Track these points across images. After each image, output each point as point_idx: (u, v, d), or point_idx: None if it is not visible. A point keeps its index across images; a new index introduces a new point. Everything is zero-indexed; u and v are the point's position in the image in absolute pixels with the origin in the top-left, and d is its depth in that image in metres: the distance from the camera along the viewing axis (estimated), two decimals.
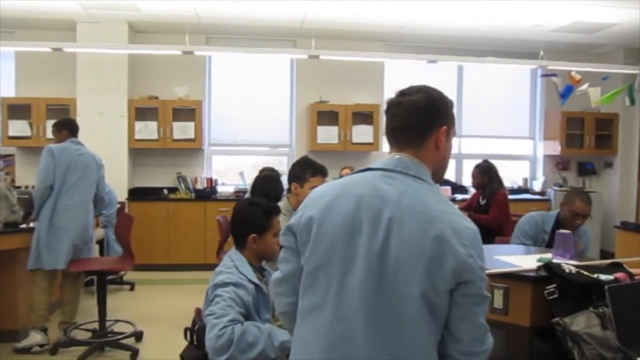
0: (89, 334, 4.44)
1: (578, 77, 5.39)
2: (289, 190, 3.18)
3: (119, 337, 4.36)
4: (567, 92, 5.49)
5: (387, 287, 1.32)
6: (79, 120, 6.71)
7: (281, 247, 1.56)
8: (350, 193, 1.44)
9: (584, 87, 5.32)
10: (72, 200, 4.37)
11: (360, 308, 1.33)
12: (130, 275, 6.24)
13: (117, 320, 4.62)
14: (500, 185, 5.37)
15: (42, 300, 4.35)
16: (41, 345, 4.25)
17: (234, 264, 2.19)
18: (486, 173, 5.32)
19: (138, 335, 4.44)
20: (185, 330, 2.20)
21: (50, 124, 6.89)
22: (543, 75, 6.95)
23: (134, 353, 4.12)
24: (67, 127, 4.63)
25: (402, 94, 1.55)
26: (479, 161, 5.62)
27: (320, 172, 3.09)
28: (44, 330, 4.32)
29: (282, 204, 3.08)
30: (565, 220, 3.57)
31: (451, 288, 1.33)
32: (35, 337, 4.26)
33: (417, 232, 1.33)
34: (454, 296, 1.34)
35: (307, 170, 3.07)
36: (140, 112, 7.17)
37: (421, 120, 1.50)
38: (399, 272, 1.32)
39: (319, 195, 1.52)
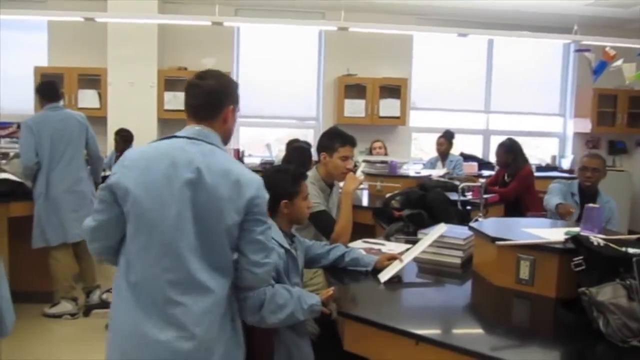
0: None
1: (612, 52, 5.26)
2: (318, 160, 3.20)
3: None
4: (600, 68, 5.37)
5: (201, 222, 1.76)
6: (109, 89, 6.88)
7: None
8: (165, 155, 1.80)
9: (618, 62, 5.19)
10: (64, 170, 4.26)
11: (181, 241, 1.75)
12: None
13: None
14: (525, 162, 5.33)
15: (65, 272, 4.37)
16: (72, 314, 4.36)
17: None
18: (510, 151, 5.28)
19: None
20: None
21: (82, 93, 7.09)
22: (576, 51, 6.79)
23: None
24: (40, 93, 4.41)
25: (200, 77, 1.92)
26: (506, 137, 5.58)
27: (349, 142, 3.11)
28: (74, 300, 4.40)
29: (310, 173, 3.12)
30: (580, 180, 3.96)
31: (243, 219, 1.80)
32: (65, 306, 4.37)
33: (220, 178, 1.78)
34: (243, 223, 1.81)
35: (336, 140, 3.09)
36: (170, 82, 7.24)
37: (215, 101, 1.91)
38: (209, 210, 1.77)
39: (136, 156, 1.84)
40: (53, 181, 4.23)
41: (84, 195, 4.36)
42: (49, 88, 4.44)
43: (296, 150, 4.54)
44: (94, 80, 7.13)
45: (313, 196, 2.89)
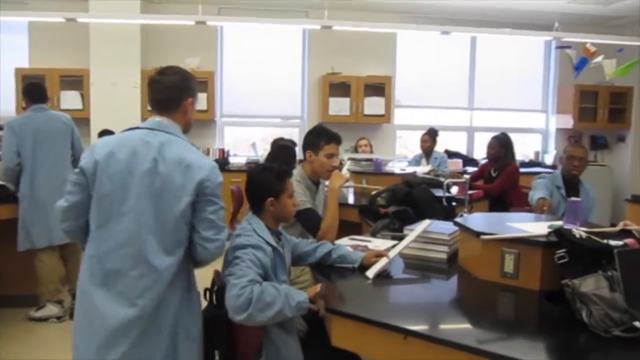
0: None
1: (593, 49, 5.34)
2: (303, 158, 3.21)
3: None
4: (581, 64, 5.45)
5: (158, 205, 1.99)
6: (92, 90, 6.83)
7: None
8: (127, 144, 2.03)
9: (599, 59, 5.27)
10: (49, 171, 4.20)
11: (139, 221, 1.97)
12: None
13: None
14: (513, 158, 5.39)
15: (51, 275, 4.30)
16: (58, 317, 4.31)
17: (252, 227, 2.25)
18: (504, 146, 5.32)
19: None
20: (205, 290, 2.27)
21: (64, 94, 7.03)
22: (558, 47, 6.89)
23: None
24: (26, 95, 4.35)
25: (161, 73, 2.13)
26: (489, 134, 5.63)
27: (334, 139, 3.12)
28: (60, 302, 4.35)
29: (296, 171, 3.13)
30: (566, 170, 3.97)
31: (195, 199, 2.01)
32: (51, 309, 4.32)
33: (173, 166, 2.00)
34: (196, 204, 2.02)
35: (321, 138, 3.10)
36: None
37: (175, 95, 2.11)
38: (165, 194, 1.99)
39: (104, 145, 2.07)
40: (37, 183, 4.18)
41: None
42: (34, 89, 4.39)
43: (280, 148, 4.55)
44: (76, 81, 7.07)
45: (299, 194, 2.89)
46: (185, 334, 2.07)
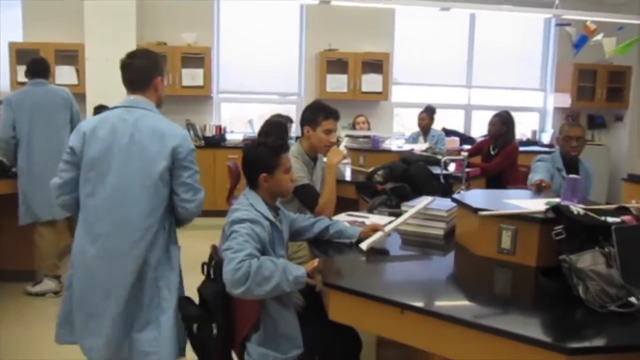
0: None
1: (593, 27, 5.30)
2: (301, 134, 3.18)
3: None
4: (580, 42, 5.41)
5: (138, 171, 2.28)
6: (87, 65, 6.76)
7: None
8: (107, 122, 2.34)
9: (599, 37, 5.23)
10: (47, 146, 4.18)
11: (123, 187, 2.28)
12: None
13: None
14: (514, 138, 5.38)
15: (49, 249, 4.33)
16: (55, 292, 4.32)
17: (250, 202, 2.24)
18: (505, 124, 5.30)
19: None
20: (203, 265, 2.27)
21: (59, 69, 6.95)
22: (557, 25, 6.84)
23: None
24: (28, 69, 4.34)
25: (131, 57, 2.43)
26: (487, 112, 5.62)
27: (332, 115, 3.08)
28: (57, 278, 4.36)
29: (294, 147, 3.11)
30: (564, 151, 3.86)
31: (172, 165, 2.31)
32: (48, 284, 4.35)
33: (149, 136, 2.30)
34: (173, 170, 2.32)
35: (319, 113, 3.07)
36: None
37: (145, 75, 2.41)
38: (143, 162, 2.28)
39: (87, 124, 2.37)
40: (34, 157, 4.17)
41: None
42: (35, 63, 4.39)
43: (271, 124, 4.53)
44: (71, 56, 7.00)
45: (297, 170, 2.88)
46: (166, 284, 2.37)
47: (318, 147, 3.11)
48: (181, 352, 2.42)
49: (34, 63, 4.40)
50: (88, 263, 2.32)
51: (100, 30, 6.73)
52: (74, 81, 7.00)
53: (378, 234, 2.48)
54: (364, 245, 2.42)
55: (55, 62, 6.93)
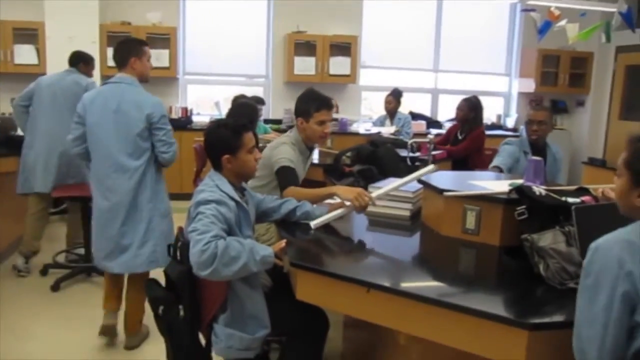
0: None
1: (557, 12, 5.38)
2: (296, 124, 3.08)
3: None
4: (545, 28, 5.49)
5: (123, 132, 3.07)
6: (47, 44, 6.56)
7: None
8: (101, 94, 3.15)
9: (562, 22, 5.32)
10: (52, 125, 4.28)
11: (110, 152, 3.10)
12: None
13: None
14: (481, 123, 5.44)
15: (30, 225, 4.40)
16: (18, 270, 4.31)
17: (215, 183, 2.22)
18: (473, 109, 5.35)
19: None
20: (169, 246, 2.25)
21: (18, 48, 6.73)
22: (523, 10, 6.92)
23: None
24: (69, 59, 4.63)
25: (116, 44, 3.26)
26: (454, 96, 5.67)
27: (324, 105, 2.99)
28: (27, 258, 4.39)
29: (292, 134, 3.04)
30: (528, 135, 3.88)
31: (148, 126, 3.09)
32: (16, 261, 4.36)
33: (130, 105, 3.07)
34: (151, 130, 3.10)
35: (311, 105, 2.97)
36: (113, 38, 6.93)
37: (124, 57, 3.15)
38: (126, 125, 3.07)
39: (88, 96, 3.19)
40: (40, 134, 4.33)
41: (73, 161, 4.23)
42: (72, 55, 4.66)
43: (241, 106, 4.49)
44: (30, 35, 6.77)
45: (287, 153, 2.86)
46: (158, 213, 3.19)
47: (313, 138, 3.02)
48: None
49: (72, 54, 4.67)
50: (96, 200, 3.21)
51: (62, 8, 6.54)
52: (34, 61, 6.78)
53: (332, 214, 2.50)
54: (313, 224, 2.45)
55: (13, 41, 6.72)
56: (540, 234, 1.95)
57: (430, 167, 2.70)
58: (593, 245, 1.48)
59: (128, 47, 3.16)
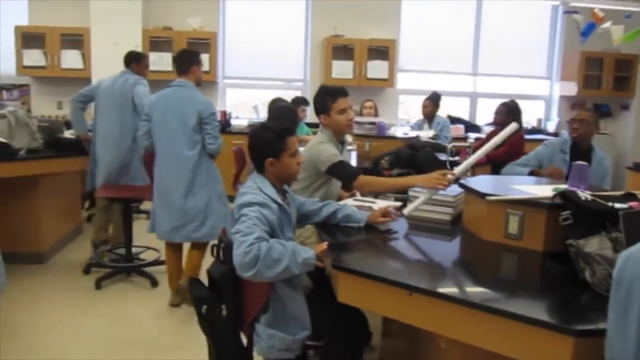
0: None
1: (601, 14, 5.28)
2: (320, 123, 3.11)
3: (143, 263, 4.56)
4: (588, 30, 5.40)
5: (181, 125, 3.70)
6: (93, 49, 6.76)
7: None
8: (164, 95, 3.80)
9: (607, 24, 5.22)
10: (109, 124, 4.59)
11: (171, 143, 3.74)
12: (147, 205, 6.40)
13: (147, 248, 4.80)
14: (521, 127, 5.36)
15: (98, 217, 4.89)
16: (90, 259, 4.69)
17: (258, 186, 2.25)
18: (511, 113, 5.28)
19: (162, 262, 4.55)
20: (212, 247, 2.29)
21: (65, 54, 6.96)
22: (565, 12, 6.80)
23: (154, 281, 4.31)
24: (124, 59, 4.82)
25: (176, 54, 4.05)
26: (493, 100, 5.60)
27: (339, 94, 3.02)
28: (98, 246, 4.81)
29: (319, 136, 3.07)
30: (570, 133, 3.97)
31: (199, 122, 3.71)
32: (101, 248, 4.82)
33: (187, 104, 3.71)
34: (201, 125, 3.72)
35: (326, 98, 3.02)
36: (155, 43, 7.14)
37: (186, 65, 3.82)
38: (183, 119, 3.70)
39: (154, 97, 3.90)
40: (99, 133, 4.65)
41: (119, 153, 4.57)
42: (127, 55, 4.84)
43: (280, 109, 4.55)
44: (76, 40, 7.00)
45: (328, 149, 2.90)
46: (215, 194, 3.84)
47: (341, 128, 3.04)
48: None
49: (127, 54, 4.86)
50: (160, 180, 3.84)
51: (107, 14, 6.74)
52: (80, 65, 7.02)
53: (420, 199, 2.60)
54: (406, 211, 2.58)
55: (60, 46, 6.96)
56: (586, 239, 1.92)
57: (513, 125, 2.73)
58: (624, 253, 1.43)
59: (190, 57, 3.85)
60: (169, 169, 3.76)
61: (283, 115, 4.16)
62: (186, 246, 3.98)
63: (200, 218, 3.75)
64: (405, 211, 2.55)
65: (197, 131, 3.71)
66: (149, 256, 4.68)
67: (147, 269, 4.47)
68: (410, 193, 2.91)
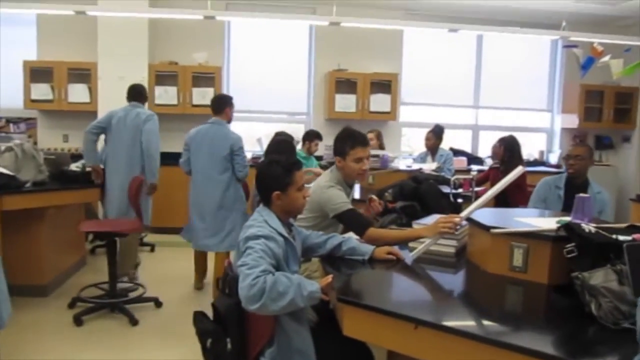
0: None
1: (600, 48, 5.35)
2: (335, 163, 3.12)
3: (124, 299, 4.48)
4: (588, 64, 5.46)
5: (214, 155, 4.61)
6: (99, 83, 6.87)
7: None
8: (201, 131, 4.69)
9: (606, 58, 5.29)
10: (115, 159, 4.92)
11: (205, 168, 4.65)
12: (150, 237, 6.42)
13: (135, 283, 4.88)
14: (520, 162, 5.38)
15: (123, 243, 4.95)
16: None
17: (264, 219, 2.27)
18: (508, 150, 5.32)
19: (156, 301, 4.57)
20: (217, 279, 2.30)
21: (72, 87, 7.06)
22: (565, 47, 6.91)
23: (132, 320, 4.19)
24: (128, 92, 5.13)
25: (213, 98, 4.97)
26: (495, 132, 5.65)
27: (359, 142, 3.01)
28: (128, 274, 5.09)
29: (330, 175, 3.07)
30: (566, 168, 4.04)
31: (230, 153, 4.61)
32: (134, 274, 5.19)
33: (220, 139, 4.62)
34: (231, 155, 4.61)
35: (346, 143, 3.01)
36: (160, 77, 7.25)
37: (221, 106, 4.72)
38: (217, 151, 4.61)
39: (192, 131, 4.73)
40: (110, 164, 4.95)
41: (125, 186, 4.78)
42: (130, 90, 5.15)
43: (278, 143, 4.63)
44: (84, 74, 7.11)
45: (338, 196, 2.88)
46: (237, 211, 4.67)
47: (352, 176, 3.04)
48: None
49: (130, 88, 5.17)
50: (196, 197, 4.69)
51: (113, 49, 6.86)
52: (87, 99, 7.11)
53: (426, 243, 2.58)
54: (409, 259, 2.58)
55: (68, 81, 7.06)
56: (591, 272, 1.92)
57: (519, 168, 2.69)
58: None
59: (224, 100, 4.77)
60: (204, 189, 4.61)
61: (281, 149, 4.21)
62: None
63: (225, 231, 4.60)
64: (409, 259, 2.55)
65: (228, 160, 4.57)
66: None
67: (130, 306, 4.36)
68: (414, 225, 2.92)
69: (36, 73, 7.03)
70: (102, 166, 5.02)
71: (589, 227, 2.15)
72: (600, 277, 1.88)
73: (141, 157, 4.91)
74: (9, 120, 7.39)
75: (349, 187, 3.12)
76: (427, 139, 6.34)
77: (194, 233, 4.69)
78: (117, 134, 4.93)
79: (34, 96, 7.06)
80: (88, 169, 4.92)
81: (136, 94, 5.09)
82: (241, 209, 4.67)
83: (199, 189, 4.64)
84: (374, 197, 3.27)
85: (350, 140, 3.02)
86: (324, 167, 5.58)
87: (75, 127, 7.36)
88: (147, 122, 4.92)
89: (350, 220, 2.87)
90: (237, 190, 4.66)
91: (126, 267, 5.05)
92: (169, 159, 7.27)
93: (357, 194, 4.70)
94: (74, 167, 5.04)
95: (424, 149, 6.50)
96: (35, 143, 7.19)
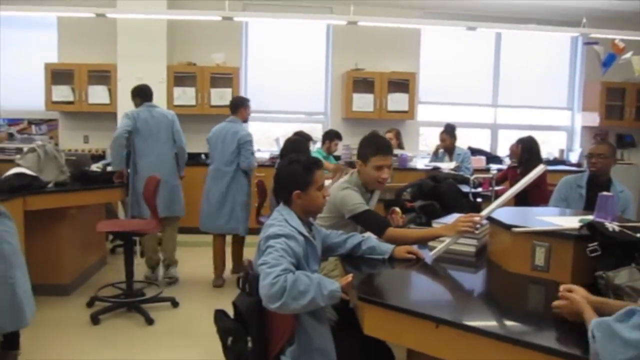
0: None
1: (622, 45, 5.30)
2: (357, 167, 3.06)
3: (140, 299, 4.50)
4: (609, 61, 5.41)
5: (226, 149, 5.07)
6: (119, 85, 6.94)
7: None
8: (220, 129, 5.18)
9: (628, 55, 5.23)
10: (150, 155, 5.00)
11: (217, 161, 5.16)
12: None
13: (149, 283, 4.99)
14: (539, 161, 5.32)
15: (148, 241, 5.23)
16: (147, 277, 5.21)
17: (284, 217, 2.28)
18: (527, 151, 5.27)
19: (173, 301, 4.58)
20: (238, 278, 2.31)
21: (92, 89, 7.15)
22: (585, 43, 6.82)
23: (148, 320, 4.21)
24: (139, 95, 5.14)
25: (231, 101, 5.47)
26: (514, 131, 5.60)
27: (380, 150, 2.91)
28: (154, 267, 5.27)
29: (350, 178, 3.02)
30: (588, 167, 3.97)
31: (239, 146, 5.05)
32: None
33: (233, 135, 5.07)
34: (239, 149, 5.06)
35: (369, 149, 2.93)
36: (179, 78, 7.30)
37: (237, 106, 5.22)
38: (229, 145, 5.07)
39: (213, 129, 5.22)
40: (141, 165, 5.01)
41: (168, 186, 5.02)
42: (144, 90, 5.16)
43: (292, 142, 4.66)
44: (103, 76, 7.19)
45: (354, 197, 2.85)
46: (239, 205, 5.10)
47: (370, 182, 2.97)
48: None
49: (143, 90, 5.16)
50: (207, 189, 5.17)
51: (133, 51, 6.93)
52: (106, 100, 7.19)
53: (446, 242, 2.56)
54: (429, 259, 2.56)
55: (88, 82, 7.14)
56: (615, 271, 1.90)
57: (540, 167, 2.64)
58: None
59: (241, 101, 5.26)
60: (214, 180, 5.09)
61: (295, 149, 4.23)
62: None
63: (227, 215, 5.04)
64: (429, 258, 2.54)
65: (236, 154, 5.01)
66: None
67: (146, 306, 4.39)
68: (434, 224, 2.91)
69: (57, 75, 7.13)
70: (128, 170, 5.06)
71: (612, 225, 2.12)
72: (625, 277, 1.86)
73: (173, 155, 5.15)
74: (30, 122, 7.50)
75: (368, 193, 3.05)
76: (442, 140, 6.27)
77: (202, 217, 5.16)
78: (148, 135, 5.01)
79: (55, 98, 7.16)
80: (109, 169, 4.97)
81: (149, 94, 5.16)
82: (242, 199, 5.08)
83: (211, 180, 5.12)
84: (397, 209, 3.24)
85: (373, 146, 2.94)
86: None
87: (96, 128, 7.46)
88: (174, 121, 5.14)
89: (368, 221, 2.84)
90: (242, 183, 5.08)
91: (170, 254, 5.25)
92: (188, 159, 7.36)
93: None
94: (95, 167, 5.11)
95: (441, 148, 6.44)
96: (56, 144, 7.29)
